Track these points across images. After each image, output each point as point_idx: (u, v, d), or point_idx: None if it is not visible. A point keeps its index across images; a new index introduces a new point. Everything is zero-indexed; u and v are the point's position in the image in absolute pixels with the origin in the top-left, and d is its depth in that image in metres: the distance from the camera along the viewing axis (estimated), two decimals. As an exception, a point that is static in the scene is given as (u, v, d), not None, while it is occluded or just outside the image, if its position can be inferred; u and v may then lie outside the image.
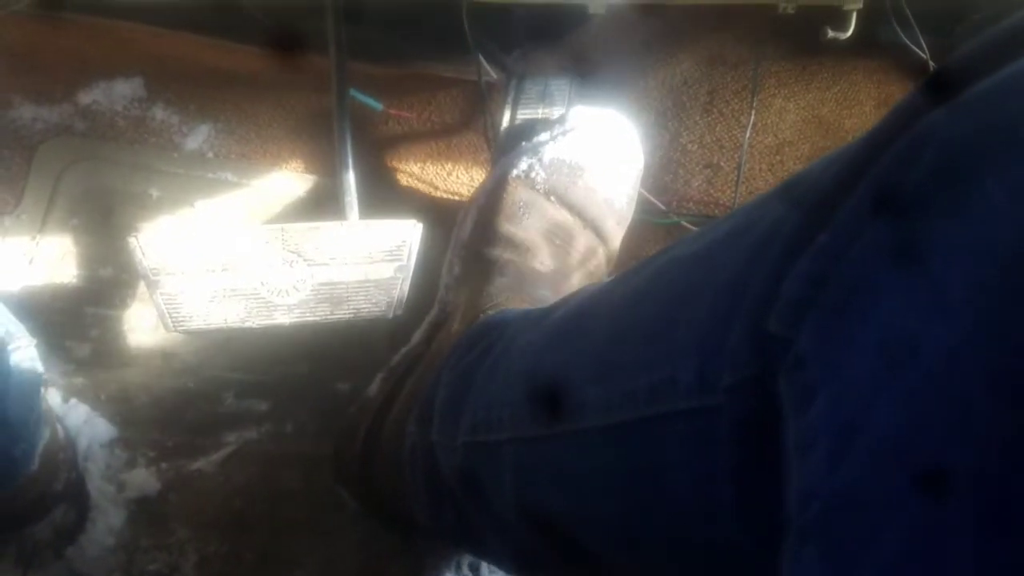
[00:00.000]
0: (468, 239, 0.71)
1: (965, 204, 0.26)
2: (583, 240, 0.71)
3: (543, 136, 0.72)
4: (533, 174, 0.70)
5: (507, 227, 0.69)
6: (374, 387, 0.71)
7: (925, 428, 0.25)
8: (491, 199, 0.71)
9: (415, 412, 0.63)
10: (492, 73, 0.81)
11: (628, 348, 0.43)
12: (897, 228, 0.28)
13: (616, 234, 0.72)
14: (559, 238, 0.70)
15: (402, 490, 0.64)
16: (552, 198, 0.70)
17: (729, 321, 0.35)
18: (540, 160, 0.70)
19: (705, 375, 0.37)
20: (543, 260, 0.69)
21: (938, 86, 0.30)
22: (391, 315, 0.72)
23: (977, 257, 0.25)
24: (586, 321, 0.50)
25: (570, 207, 0.70)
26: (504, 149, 0.75)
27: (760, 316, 0.33)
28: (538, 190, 0.70)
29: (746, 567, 0.38)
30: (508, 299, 0.66)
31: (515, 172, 0.70)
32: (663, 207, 0.84)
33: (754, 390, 0.34)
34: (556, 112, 0.78)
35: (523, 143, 0.73)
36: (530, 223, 0.69)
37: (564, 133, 0.71)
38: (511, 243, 0.69)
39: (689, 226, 0.84)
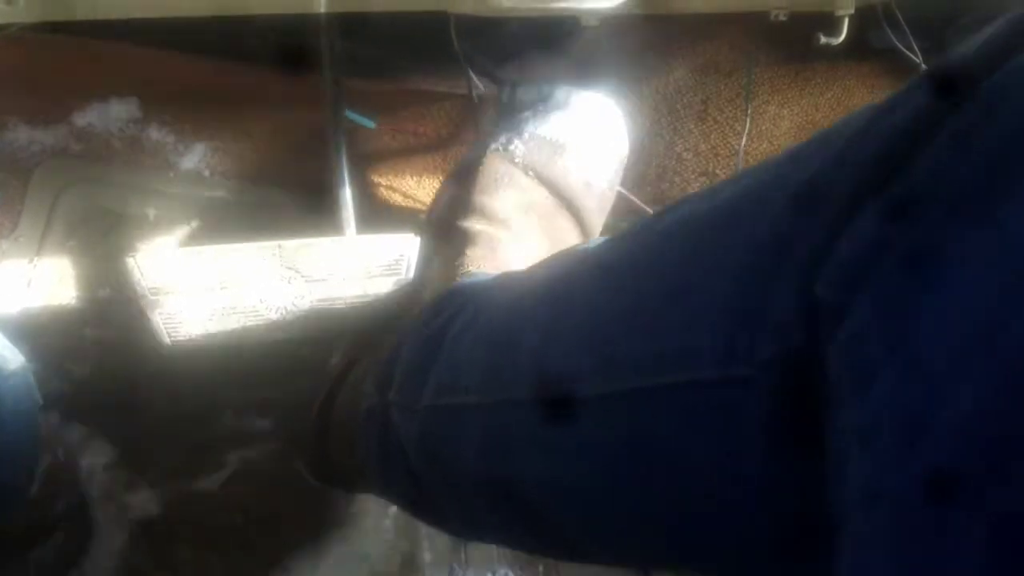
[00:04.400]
0: (445, 212, 0.70)
1: None
2: (559, 219, 0.69)
3: (527, 112, 0.71)
4: (512, 147, 0.69)
5: (481, 198, 0.68)
6: (335, 358, 0.70)
7: (1010, 418, 0.22)
8: (468, 172, 0.70)
9: (374, 374, 0.60)
10: (482, 86, 0.82)
11: (630, 314, 0.39)
12: (973, 193, 0.24)
13: (595, 219, 0.71)
14: (536, 214, 0.68)
15: (354, 458, 0.62)
16: (530, 173, 0.68)
17: (767, 283, 0.31)
18: (520, 135, 0.69)
19: (734, 343, 0.32)
20: (517, 234, 0.67)
21: (949, 82, 0.27)
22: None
23: None
24: (575, 286, 0.46)
25: (548, 184, 0.68)
26: (489, 124, 0.75)
27: (809, 278, 0.29)
28: (516, 164, 0.69)
29: (755, 560, 0.35)
30: (481, 268, 0.65)
31: (494, 145, 0.69)
32: (650, 210, 0.84)
33: (796, 362, 0.30)
34: None
35: (508, 119, 0.72)
36: (506, 195, 0.68)
37: (548, 111, 0.70)
38: (484, 214, 0.67)
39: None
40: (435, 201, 0.72)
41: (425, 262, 0.70)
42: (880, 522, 0.24)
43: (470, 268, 0.65)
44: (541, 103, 0.71)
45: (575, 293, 0.45)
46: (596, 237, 0.71)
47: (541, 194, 0.68)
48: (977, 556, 0.22)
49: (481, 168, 0.69)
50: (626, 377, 0.37)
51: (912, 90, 0.29)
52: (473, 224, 0.67)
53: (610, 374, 0.38)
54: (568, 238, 0.70)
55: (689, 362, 0.34)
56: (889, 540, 0.24)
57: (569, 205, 0.69)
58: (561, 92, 0.72)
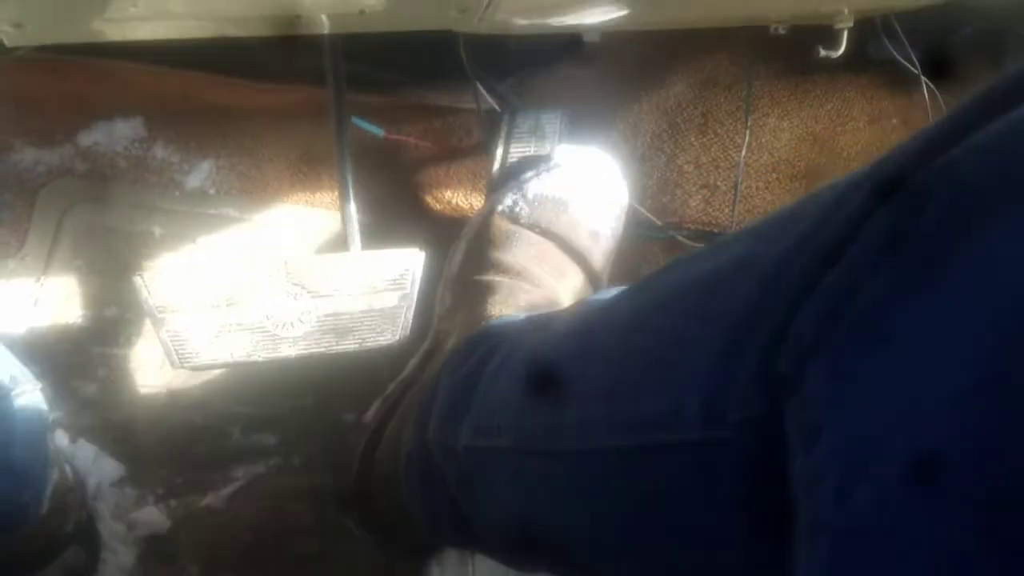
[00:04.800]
0: (458, 271, 0.73)
1: (975, 247, 0.26)
2: (569, 270, 0.72)
3: (529, 173, 0.74)
4: (517, 209, 0.72)
5: (496, 254, 0.71)
6: (370, 414, 0.72)
7: (937, 453, 0.25)
8: (478, 233, 0.73)
9: (413, 417, 0.63)
10: (490, 100, 0.82)
11: (634, 372, 0.43)
12: (909, 263, 0.28)
13: (602, 267, 0.74)
14: (548, 264, 0.71)
15: (398, 504, 0.64)
16: (536, 230, 0.71)
17: (737, 357, 0.36)
18: (524, 196, 0.72)
19: (712, 409, 0.37)
20: (534, 281, 0.70)
21: (954, 125, 0.30)
22: (396, 343, 0.72)
23: (992, 294, 0.25)
24: (592, 336, 0.50)
25: (555, 239, 0.71)
26: (495, 187, 0.77)
27: (769, 356, 0.33)
28: (522, 224, 0.71)
29: None
30: (504, 312, 0.67)
31: (500, 208, 0.73)
32: (659, 223, 0.85)
33: (762, 427, 0.34)
34: (547, 145, 0.79)
35: (511, 181, 0.75)
36: (519, 250, 0.71)
37: (549, 170, 0.73)
38: (501, 267, 0.70)
39: (685, 240, 0.85)
40: (449, 261, 0.75)
41: (448, 313, 0.72)
42: (822, 554, 0.28)
43: (493, 313, 0.67)
44: (543, 164, 0.74)
45: (591, 347, 0.49)
46: (606, 285, 0.74)
47: (550, 247, 0.71)
48: (918, 570, 0.25)
49: (491, 229, 0.72)
50: (632, 432, 0.41)
51: (858, 185, 0.33)
52: (491, 277, 0.70)
53: (617, 429, 0.42)
54: (579, 285, 0.72)
55: (679, 423, 0.38)
56: (831, 568, 0.28)
57: (577, 256, 0.72)
58: (559, 151, 0.75)
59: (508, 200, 0.73)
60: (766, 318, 0.34)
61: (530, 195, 0.72)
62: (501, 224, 0.72)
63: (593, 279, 0.73)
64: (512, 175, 0.76)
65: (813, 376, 0.31)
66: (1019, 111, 0.28)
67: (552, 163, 0.73)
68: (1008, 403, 0.24)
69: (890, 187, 0.30)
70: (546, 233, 0.71)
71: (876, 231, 0.30)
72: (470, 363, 0.59)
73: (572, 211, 0.72)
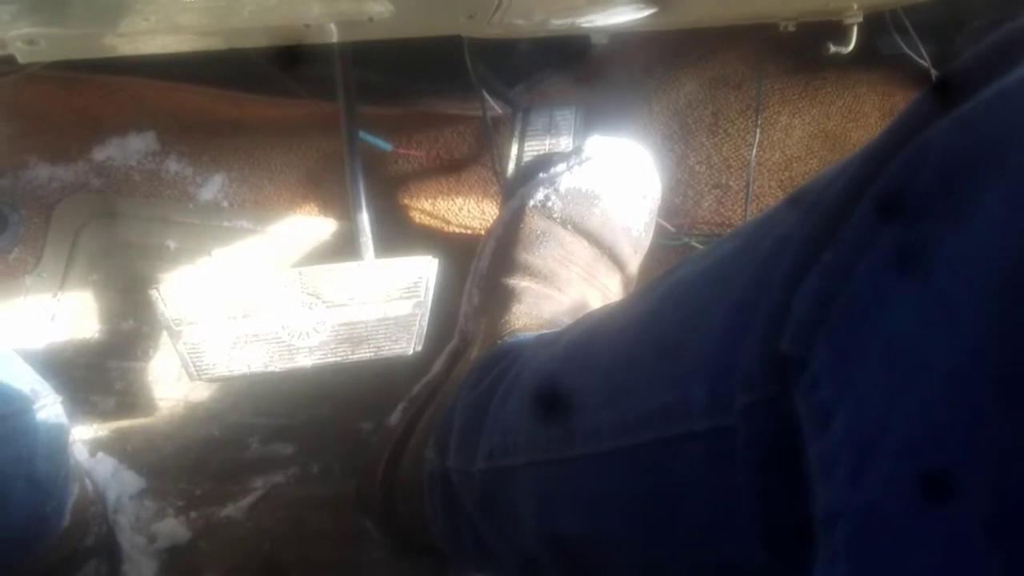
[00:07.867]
0: (487, 269, 0.72)
1: (966, 215, 0.26)
2: (600, 267, 0.71)
3: (560, 167, 0.73)
4: (550, 204, 0.71)
5: (525, 256, 0.70)
6: (395, 417, 0.72)
7: (940, 439, 0.25)
8: (509, 229, 0.72)
9: (433, 439, 0.63)
10: (496, 107, 0.82)
11: (640, 370, 0.43)
12: (901, 240, 0.28)
13: (633, 261, 0.73)
14: (577, 266, 0.70)
15: (423, 516, 0.65)
16: (569, 227, 0.70)
17: (740, 341, 0.36)
18: (556, 190, 0.71)
19: (717, 396, 0.37)
20: (561, 287, 0.70)
21: (939, 97, 0.30)
22: (411, 351, 0.72)
23: (980, 267, 0.25)
24: (597, 343, 0.50)
25: (587, 235, 0.71)
26: (520, 181, 0.77)
27: (772, 336, 0.33)
28: (555, 219, 0.71)
29: None
30: (526, 325, 0.67)
31: (532, 203, 0.72)
32: (672, 229, 0.85)
33: (770, 409, 0.34)
34: (563, 142, 0.79)
35: (540, 174, 0.74)
36: (547, 252, 0.70)
37: (580, 163, 0.72)
38: (529, 271, 0.70)
39: (699, 247, 0.84)
40: (478, 257, 0.74)
41: (475, 313, 0.72)
42: (840, 538, 0.28)
43: (515, 325, 0.67)
44: (574, 156, 0.72)
45: (597, 352, 0.49)
46: (632, 276, 0.74)
47: (581, 245, 0.71)
48: (930, 558, 0.24)
49: (522, 226, 0.71)
50: (640, 430, 0.42)
51: (848, 166, 0.33)
52: (518, 282, 0.70)
53: (627, 428, 0.42)
54: (609, 283, 0.72)
55: (687, 414, 0.39)
56: (849, 553, 0.27)
57: (609, 252, 0.71)
58: (591, 142, 0.73)
59: (540, 195, 0.71)
60: (765, 298, 0.34)
61: (562, 189, 0.71)
62: (532, 220, 0.71)
63: (624, 274, 0.73)
64: (540, 167, 0.75)
65: (818, 354, 0.31)
66: (999, 82, 0.28)
67: (584, 155, 0.72)
68: (1006, 365, 0.24)
69: (880, 162, 0.30)
70: (578, 229, 0.70)
71: (867, 208, 0.30)
72: (483, 384, 0.60)
73: (605, 205, 0.71)
